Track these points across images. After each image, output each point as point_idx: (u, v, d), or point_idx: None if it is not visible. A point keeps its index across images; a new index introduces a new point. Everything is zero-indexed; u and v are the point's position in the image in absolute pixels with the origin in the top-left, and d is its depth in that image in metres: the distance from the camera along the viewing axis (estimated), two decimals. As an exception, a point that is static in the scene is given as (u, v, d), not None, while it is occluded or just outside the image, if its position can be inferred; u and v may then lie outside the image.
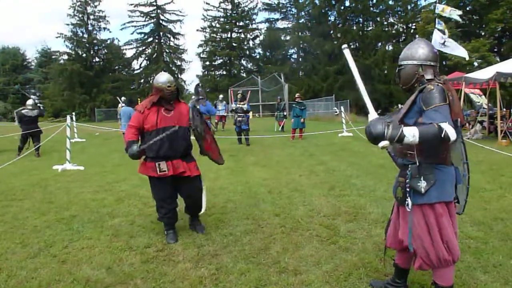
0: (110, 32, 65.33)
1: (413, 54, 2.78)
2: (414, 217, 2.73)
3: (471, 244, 4.03)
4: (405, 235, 2.82)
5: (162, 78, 4.38)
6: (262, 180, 7.50)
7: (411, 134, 2.42)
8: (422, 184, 2.67)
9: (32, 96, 13.72)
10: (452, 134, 2.43)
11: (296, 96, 16.18)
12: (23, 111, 11.78)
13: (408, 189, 2.71)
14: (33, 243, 4.35)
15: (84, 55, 47.93)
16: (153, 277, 3.50)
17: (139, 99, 21.23)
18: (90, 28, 48.22)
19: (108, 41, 50.00)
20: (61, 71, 45.69)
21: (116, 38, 57.56)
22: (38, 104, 12.46)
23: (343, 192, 6.34)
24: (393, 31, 46.86)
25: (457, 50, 16.08)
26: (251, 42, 53.00)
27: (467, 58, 17.32)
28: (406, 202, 2.73)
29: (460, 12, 16.38)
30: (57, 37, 47.33)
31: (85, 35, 48.05)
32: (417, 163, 2.69)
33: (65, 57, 48.25)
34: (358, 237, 4.33)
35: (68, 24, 47.00)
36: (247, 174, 8.30)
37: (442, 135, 2.41)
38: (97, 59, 49.78)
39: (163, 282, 3.40)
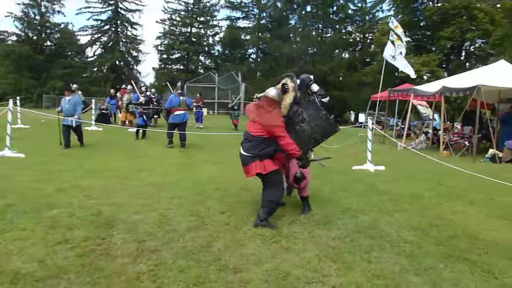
0: (64, 16, 62.53)
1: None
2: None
3: (406, 248, 4.19)
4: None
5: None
6: (211, 177, 7.46)
7: None
8: None
9: None
10: None
11: (255, 96, 16.35)
12: None
13: None
14: (-40, 231, 4.08)
15: (34, 37, 45.60)
16: (88, 271, 3.38)
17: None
18: (43, 9, 45.92)
19: (62, 25, 47.80)
20: (8, 53, 43.27)
21: (71, 23, 54.79)
22: None
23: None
24: (351, 40, 48.10)
25: (406, 67, 16.97)
26: (210, 39, 52.44)
27: (413, 76, 18.30)
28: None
29: (405, 40, 17.68)
30: (6, 16, 44.94)
31: (37, 17, 45.73)
32: None
33: (14, 38, 45.79)
34: (300, 237, 4.39)
35: (19, 4, 44.59)
36: (196, 170, 8.24)
37: None
38: (48, 43, 47.52)
39: (98, 277, 3.29)
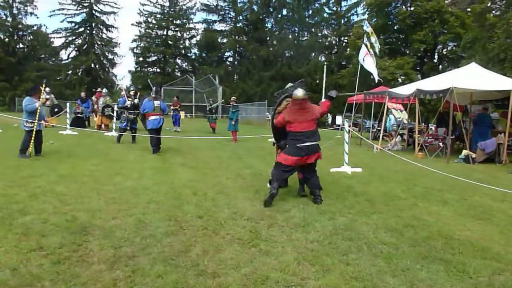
0: (37, 18, 61.17)
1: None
2: None
3: (383, 249, 4.24)
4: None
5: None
6: (187, 181, 7.40)
7: None
8: None
9: None
10: None
11: (231, 99, 16.32)
12: None
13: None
14: None
15: (6, 39, 44.58)
16: (64, 279, 3.30)
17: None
18: (15, 11, 44.98)
19: (35, 27, 46.91)
20: (-22, 55, 42.09)
21: (44, 25, 53.83)
22: None
23: (268, 196, 6.40)
24: (327, 43, 48.66)
25: (372, 70, 17.21)
26: (187, 42, 52.25)
27: (376, 80, 18.62)
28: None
29: (378, 47, 17.99)
30: (-24, 18, 43.59)
31: (9, 19, 44.76)
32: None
33: (-16, 39, 44.62)
34: (278, 240, 4.39)
35: (-11, 6, 43.51)
36: (173, 174, 8.15)
37: None
38: (21, 45, 46.53)
39: (74, 284, 3.22)
